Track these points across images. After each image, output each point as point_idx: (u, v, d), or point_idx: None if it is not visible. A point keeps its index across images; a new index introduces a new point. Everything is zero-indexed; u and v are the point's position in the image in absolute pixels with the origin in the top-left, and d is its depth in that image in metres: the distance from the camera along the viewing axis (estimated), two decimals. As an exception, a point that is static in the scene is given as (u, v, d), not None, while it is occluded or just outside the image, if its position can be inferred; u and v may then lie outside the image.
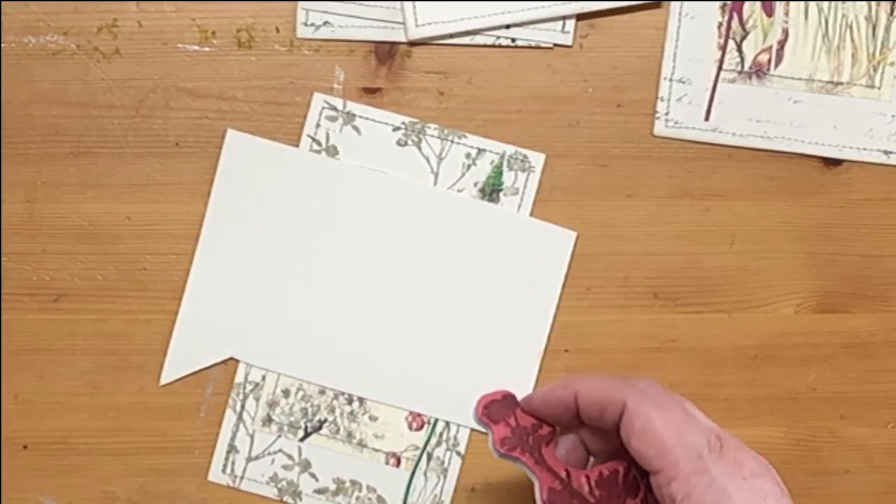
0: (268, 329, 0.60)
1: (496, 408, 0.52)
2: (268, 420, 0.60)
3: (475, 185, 0.60)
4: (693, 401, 0.49)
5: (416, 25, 0.58)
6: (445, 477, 0.61)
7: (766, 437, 0.62)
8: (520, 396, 0.54)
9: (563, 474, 0.50)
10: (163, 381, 0.60)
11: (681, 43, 0.59)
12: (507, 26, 0.59)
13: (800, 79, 0.60)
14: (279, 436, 0.60)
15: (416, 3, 0.58)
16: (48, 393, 0.60)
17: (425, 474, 0.61)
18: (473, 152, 0.60)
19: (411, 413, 0.60)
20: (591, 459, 0.51)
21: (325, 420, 0.60)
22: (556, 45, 0.59)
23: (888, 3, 0.60)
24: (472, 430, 0.60)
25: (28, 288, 0.59)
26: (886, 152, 0.61)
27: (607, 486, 0.49)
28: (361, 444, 0.60)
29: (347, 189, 0.59)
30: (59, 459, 0.60)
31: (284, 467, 0.60)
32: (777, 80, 0.60)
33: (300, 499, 0.61)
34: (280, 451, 0.60)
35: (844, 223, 0.61)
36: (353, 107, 0.59)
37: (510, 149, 0.60)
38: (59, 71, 0.58)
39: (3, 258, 0.59)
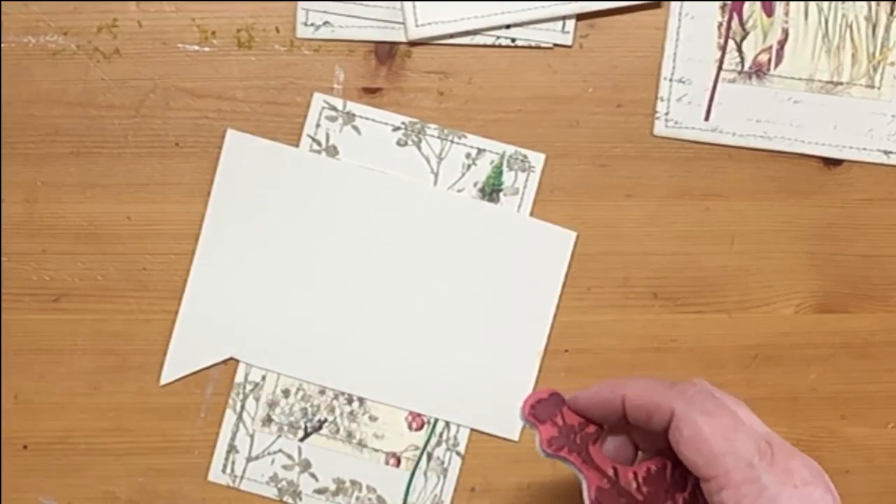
0: (268, 329, 0.60)
1: (543, 407, 0.51)
2: (268, 420, 0.60)
3: (475, 185, 0.60)
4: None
5: (416, 25, 0.58)
6: (445, 477, 0.61)
7: (766, 437, 0.62)
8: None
9: (611, 472, 0.50)
10: (163, 381, 0.60)
11: (681, 43, 0.59)
12: (507, 26, 0.59)
13: (800, 79, 0.60)
14: (279, 436, 0.60)
15: (416, 3, 0.58)
16: (48, 393, 0.60)
17: (425, 474, 0.61)
18: (473, 152, 0.60)
19: (411, 413, 0.60)
20: (639, 454, 0.51)
21: (325, 420, 0.60)
22: (556, 45, 0.59)
23: (888, 3, 0.60)
24: (472, 430, 0.61)
25: (28, 288, 0.59)
26: (886, 152, 0.61)
27: (655, 483, 0.49)
28: (361, 444, 0.60)
29: (347, 189, 0.59)
30: (59, 459, 0.60)
31: (284, 467, 0.60)
32: (777, 80, 0.60)
33: (300, 499, 0.61)
34: (280, 451, 0.60)
35: (844, 223, 0.61)
36: (353, 107, 0.59)
37: (510, 149, 0.60)
38: (59, 71, 0.58)
39: (3, 258, 0.59)
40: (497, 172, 0.60)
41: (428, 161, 0.60)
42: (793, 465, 0.45)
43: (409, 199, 0.60)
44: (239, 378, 0.60)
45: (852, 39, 0.60)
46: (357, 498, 0.61)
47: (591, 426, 0.51)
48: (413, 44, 0.59)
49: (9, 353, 0.59)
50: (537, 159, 0.60)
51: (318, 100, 0.59)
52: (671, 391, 0.47)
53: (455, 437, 0.61)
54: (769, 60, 0.60)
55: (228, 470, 0.60)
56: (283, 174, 0.59)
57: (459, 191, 0.60)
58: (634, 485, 0.50)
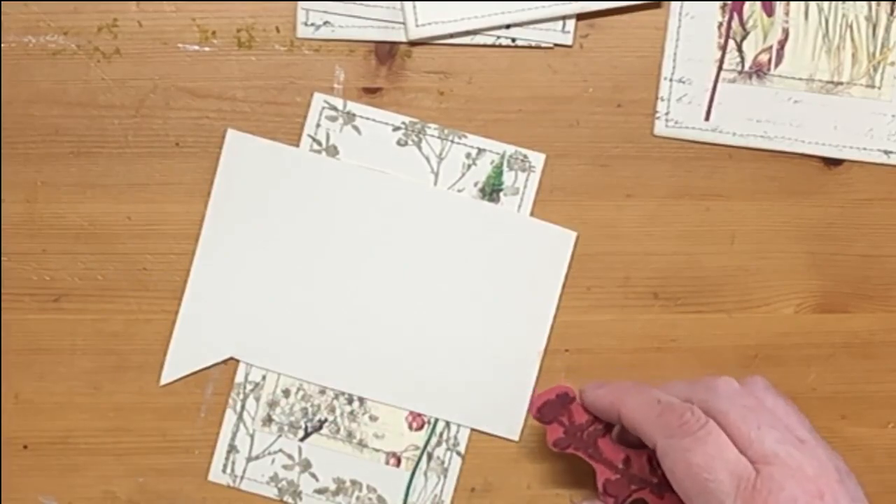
0: (268, 329, 0.60)
1: (548, 408, 0.54)
2: (268, 420, 0.60)
3: (475, 185, 0.60)
4: (693, 401, 0.50)
5: (416, 25, 0.58)
6: (445, 477, 0.61)
7: (766, 437, 0.62)
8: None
9: (621, 463, 0.52)
10: (163, 381, 0.60)
11: (681, 43, 0.59)
12: (507, 26, 0.59)
13: (800, 79, 0.60)
14: (279, 436, 0.60)
15: (416, 3, 0.58)
16: (48, 393, 0.60)
17: (425, 474, 0.61)
18: (473, 152, 0.60)
19: (411, 413, 0.60)
20: None
21: (326, 420, 0.60)
22: (556, 45, 0.59)
23: (888, 3, 0.60)
24: (473, 430, 0.60)
25: (28, 288, 0.59)
26: (886, 152, 0.61)
27: None
28: (361, 444, 0.60)
29: (347, 189, 0.59)
30: (59, 459, 0.60)
31: (284, 467, 0.60)
32: (777, 80, 0.60)
33: (300, 499, 0.61)
34: (280, 451, 0.60)
35: (844, 223, 0.61)
36: (353, 107, 0.59)
37: (510, 149, 0.60)
38: (59, 71, 0.58)
39: (3, 258, 0.59)
40: (497, 172, 0.60)
41: (428, 161, 0.60)
42: (775, 501, 0.44)
43: (409, 199, 0.60)
44: (239, 378, 0.60)
45: (852, 39, 0.60)
46: (357, 498, 0.61)
47: (600, 421, 0.53)
48: (413, 44, 0.59)
49: (9, 353, 0.59)
50: (537, 159, 0.60)
51: (319, 100, 0.59)
52: (658, 422, 0.49)
53: (455, 437, 0.61)
54: (769, 60, 0.60)
55: (228, 470, 0.60)
56: (283, 174, 0.59)
57: (459, 191, 0.60)
58: (648, 468, 0.52)
